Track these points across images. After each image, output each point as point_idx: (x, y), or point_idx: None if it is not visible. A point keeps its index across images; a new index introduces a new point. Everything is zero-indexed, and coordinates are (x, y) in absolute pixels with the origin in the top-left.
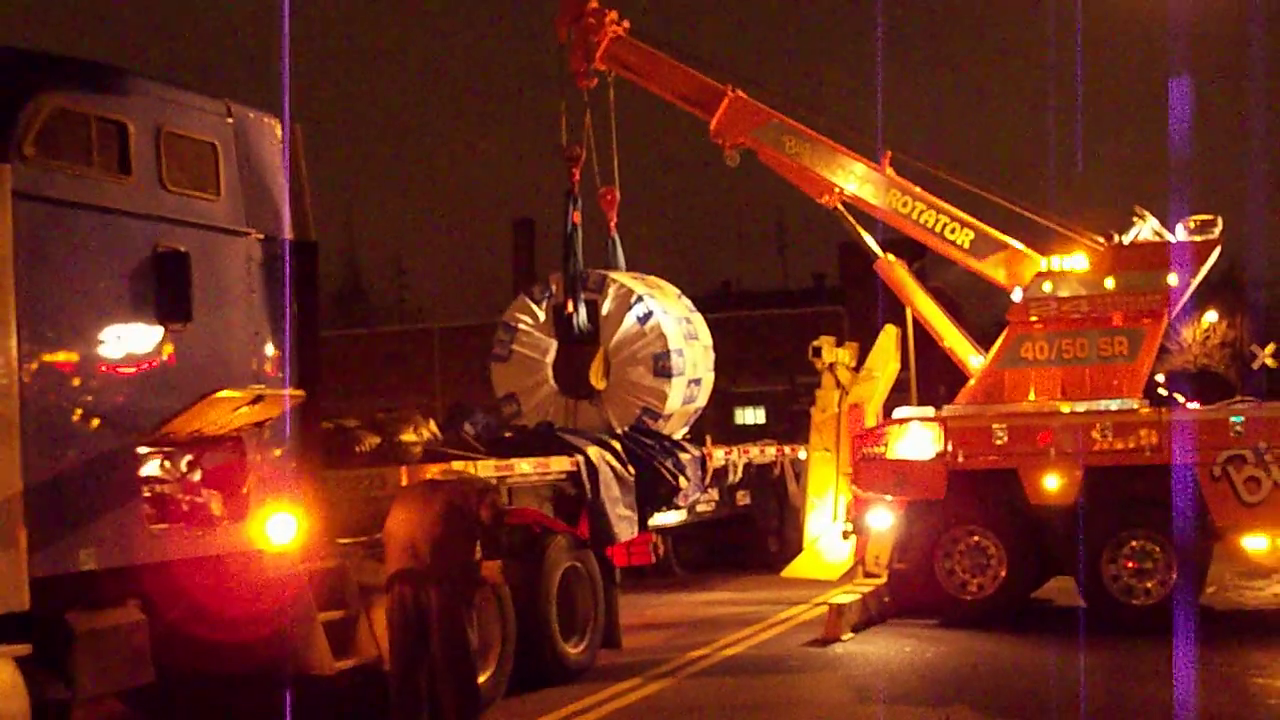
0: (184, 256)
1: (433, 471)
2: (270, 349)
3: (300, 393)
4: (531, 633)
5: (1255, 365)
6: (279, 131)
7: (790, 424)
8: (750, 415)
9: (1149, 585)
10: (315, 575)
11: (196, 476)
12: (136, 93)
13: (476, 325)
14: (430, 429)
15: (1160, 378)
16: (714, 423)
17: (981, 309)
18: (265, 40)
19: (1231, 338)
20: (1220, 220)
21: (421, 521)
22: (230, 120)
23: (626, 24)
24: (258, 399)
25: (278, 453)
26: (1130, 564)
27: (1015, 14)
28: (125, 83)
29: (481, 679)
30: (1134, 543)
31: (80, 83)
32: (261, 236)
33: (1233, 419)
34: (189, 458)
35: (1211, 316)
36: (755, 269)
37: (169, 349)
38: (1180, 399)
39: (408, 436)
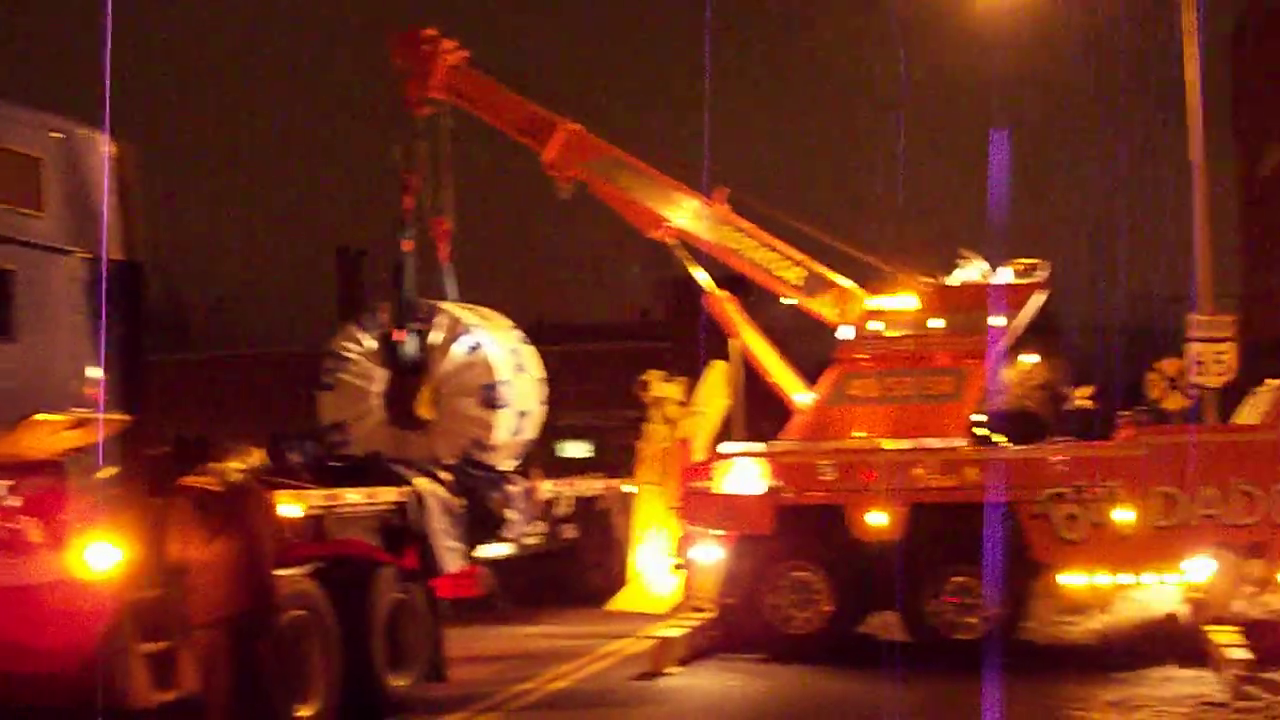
0: (4, 274)
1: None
2: (94, 371)
3: (125, 417)
4: (357, 665)
5: (1070, 406)
6: (107, 149)
7: (617, 457)
8: (576, 448)
9: (970, 620)
10: (137, 605)
11: (15, 502)
12: None
13: (303, 353)
14: (257, 458)
15: (981, 417)
16: (540, 455)
17: (809, 346)
18: (93, 57)
19: (1049, 379)
20: (1044, 265)
21: (211, 540)
22: (57, 136)
23: (464, 53)
24: (80, 423)
25: (101, 478)
26: (952, 599)
27: (858, 57)
28: None
29: (306, 713)
30: (956, 578)
31: None
32: (87, 255)
33: (1052, 458)
34: (7, 483)
35: (1030, 358)
36: (584, 302)
37: None
38: (1000, 438)
39: (234, 465)
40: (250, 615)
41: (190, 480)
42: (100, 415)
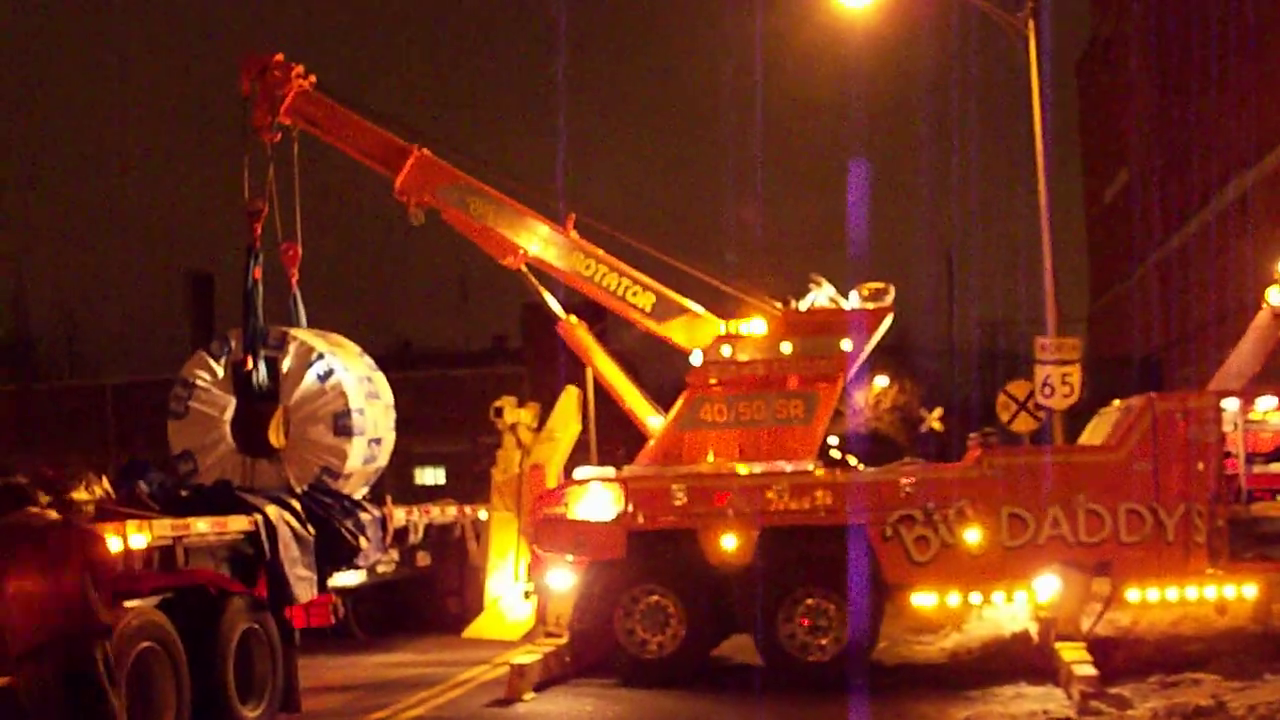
0: None
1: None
2: None
3: None
4: (207, 696)
5: (923, 429)
6: None
7: (471, 484)
8: (431, 475)
9: (823, 642)
10: None
11: None
12: None
13: (152, 381)
14: (103, 487)
15: (834, 440)
16: (394, 483)
17: (661, 371)
18: None
19: (901, 402)
20: (892, 289)
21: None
22: None
23: (313, 79)
24: None
25: None
26: (805, 621)
27: (713, 83)
28: None
29: None
30: (809, 600)
31: None
32: None
33: (902, 480)
34: None
35: (882, 381)
36: (436, 328)
37: None
38: (852, 461)
39: (80, 495)
40: (71, 645)
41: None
42: None
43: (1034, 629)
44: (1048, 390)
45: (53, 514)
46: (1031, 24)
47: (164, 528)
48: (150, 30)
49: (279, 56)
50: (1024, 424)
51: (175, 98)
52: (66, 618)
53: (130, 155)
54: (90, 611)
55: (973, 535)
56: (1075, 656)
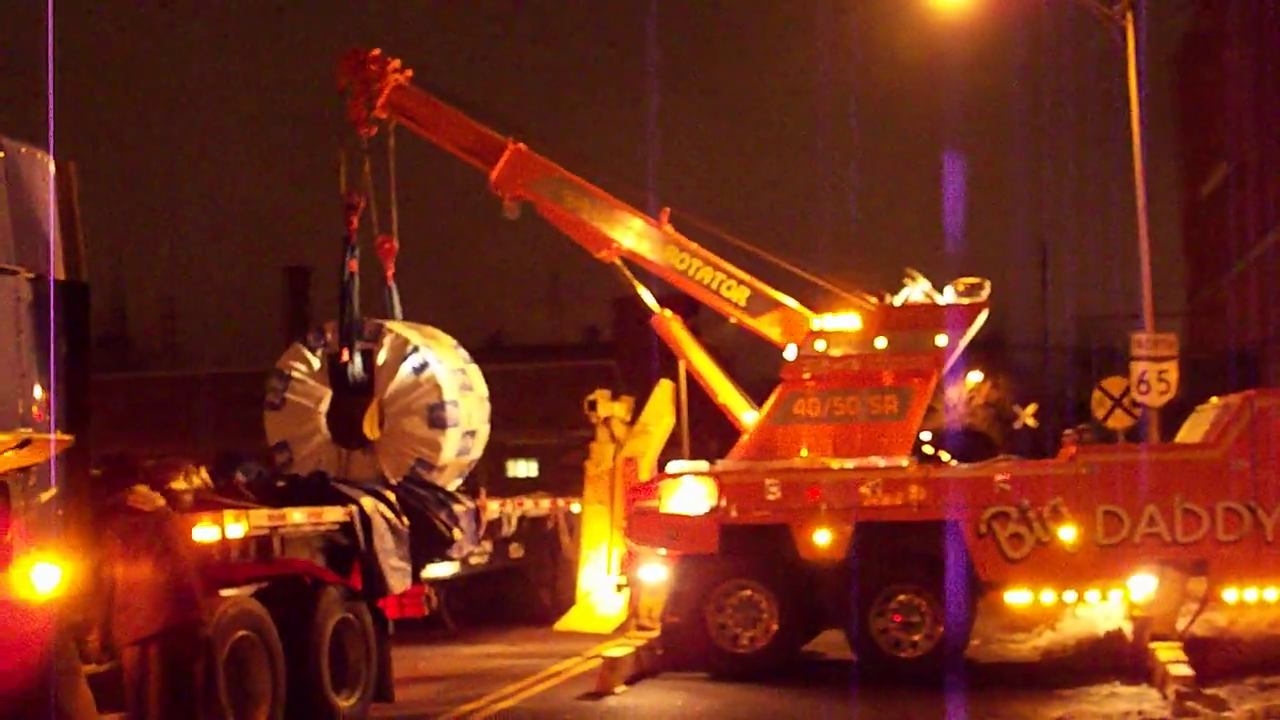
0: None
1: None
2: (38, 391)
3: (69, 437)
4: (302, 685)
5: (1017, 425)
6: (51, 167)
7: (561, 477)
8: (523, 468)
9: (916, 638)
10: (80, 626)
11: None
12: None
13: (247, 372)
14: (201, 477)
15: (926, 436)
16: (487, 474)
17: (755, 365)
18: (36, 75)
19: (994, 398)
20: (988, 284)
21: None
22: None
23: (409, 73)
24: (24, 443)
25: (44, 499)
26: (898, 617)
27: (809, 75)
28: None
29: None
30: (901, 596)
31: None
32: (31, 275)
33: (997, 476)
34: None
35: (976, 377)
36: (529, 321)
37: None
38: (944, 457)
39: (178, 484)
40: (177, 634)
41: (119, 500)
42: (46, 435)
43: (1128, 628)
44: (1144, 387)
45: (159, 498)
46: (1129, 16)
47: (260, 518)
48: (249, 25)
49: (376, 51)
50: (1119, 421)
51: (273, 92)
52: (173, 606)
53: (228, 150)
54: (192, 600)
55: (1068, 533)
56: (1171, 656)
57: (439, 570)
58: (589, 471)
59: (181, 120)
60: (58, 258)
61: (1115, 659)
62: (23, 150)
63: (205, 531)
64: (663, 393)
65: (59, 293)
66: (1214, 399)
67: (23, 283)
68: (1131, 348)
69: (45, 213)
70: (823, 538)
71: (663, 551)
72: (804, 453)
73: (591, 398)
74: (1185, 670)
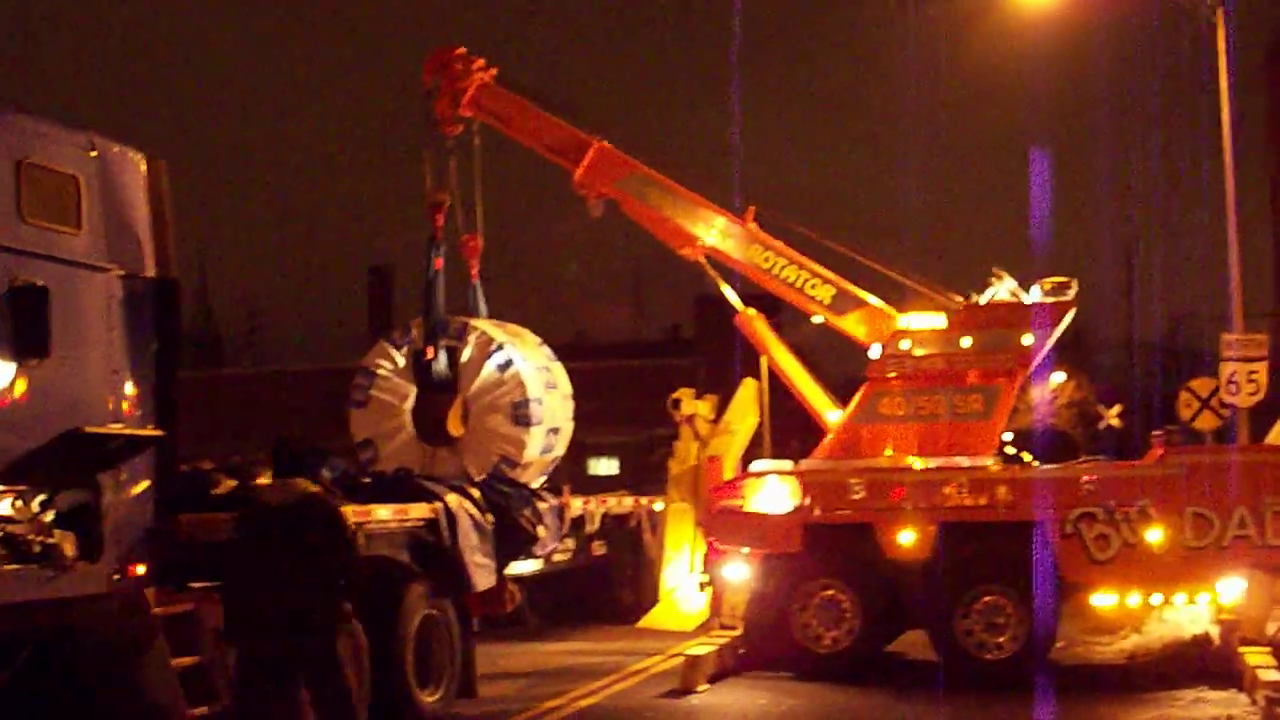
0: (42, 291)
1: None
2: (130, 388)
3: (159, 433)
4: (387, 680)
5: (1101, 426)
6: (143, 166)
7: (644, 475)
8: (605, 466)
9: (1001, 640)
10: (169, 619)
11: (49, 517)
12: None
13: (332, 369)
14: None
15: (1009, 436)
16: (569, 472)
17: (838, 364)
18: (123, 74)
19: (1079, 398)
20: (1074, 283)
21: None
22: (93, 154)
23: (494, 71)
24: (116, 439)
25: (134, 494)
26: (982, 619)
27: (890, 74)
28: None
29: None
30: (986, 598)
31: None
32: (123, 273)
33: (1083, 477)
34: (42, 497)
35: (1059, 377)
36: (611, 319)
37: (23, 385)
38: (1028, 457)
39: (264, 480)
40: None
41: (253, 491)
42: (138, 431)
43: (1216, 632)
44: (1233, 387)
45: (311, 485)
46: (1220, 11)
47: (347, 514)
48: (334, 24)
49: (461, 50)
50: (1207, 421)
51: (359, 91)
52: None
53: (314, 147)
54: (356, 576)
55: (1155, 535)
56: (1260, 661)
57: (523, 567)
58: (672, 470)
59: (268, 117)
60: (148, 255)
61: (1202, 663)
62: (114, 149)
63: None
64: (746, 391)
65: (149, 290)
66: None
67: (114, 280)
68: (1221, 348)
69: (136, 211)
70: (907, 538)
71: (745, 550)
72: (888, 452)
73: (675, 396)
74: (1274, 675)
